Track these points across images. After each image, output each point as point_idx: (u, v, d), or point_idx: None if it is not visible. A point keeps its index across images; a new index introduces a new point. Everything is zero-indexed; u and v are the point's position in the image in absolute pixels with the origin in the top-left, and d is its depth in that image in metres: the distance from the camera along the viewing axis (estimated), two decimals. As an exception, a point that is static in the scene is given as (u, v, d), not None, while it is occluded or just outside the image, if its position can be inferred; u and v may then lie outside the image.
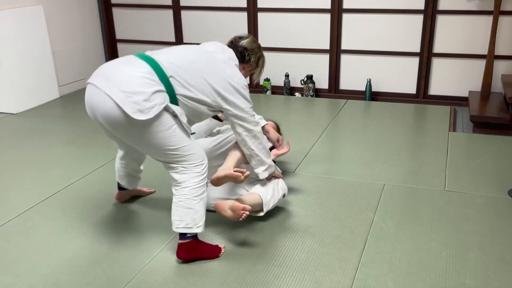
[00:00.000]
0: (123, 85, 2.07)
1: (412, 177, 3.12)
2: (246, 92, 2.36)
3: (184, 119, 2.16)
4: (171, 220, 2.61)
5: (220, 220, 2.64)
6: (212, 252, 2.31)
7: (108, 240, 2.47)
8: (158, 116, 2.05)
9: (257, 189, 2.55)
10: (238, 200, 2.39)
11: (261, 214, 2.50)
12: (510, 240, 2.41)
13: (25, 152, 3.63)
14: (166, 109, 2.08)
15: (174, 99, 2.14)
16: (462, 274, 2.17)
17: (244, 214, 2.25)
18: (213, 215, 2.68)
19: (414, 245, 2.38)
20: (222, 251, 2.35)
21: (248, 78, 2.60)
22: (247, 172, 2.36)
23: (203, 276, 2.18)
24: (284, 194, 2.65)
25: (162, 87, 2.09)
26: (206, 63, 2.28)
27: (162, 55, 2.20)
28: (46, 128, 4.15)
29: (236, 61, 2.44)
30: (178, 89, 2.15)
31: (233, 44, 2.56)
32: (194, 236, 2.24)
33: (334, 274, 2.18)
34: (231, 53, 2.45)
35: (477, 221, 2.59)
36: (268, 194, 2.52)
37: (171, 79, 2.13)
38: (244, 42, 2.55)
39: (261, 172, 2.54)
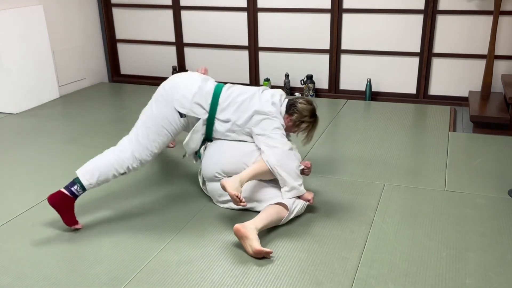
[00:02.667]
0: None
1: (412, 177, 3.12)
2: (274, 122, 2.63)
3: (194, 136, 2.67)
4: (171, 220, 2.62)
5: (220, 220, 2.64)
6: (68, 219, 2.49)
7: (108, 240, 2.47)
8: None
9: (285, 200, 2.57)
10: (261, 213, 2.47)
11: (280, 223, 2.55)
12: (510, 240, 2.41)
13: (25, 152, 3.63)
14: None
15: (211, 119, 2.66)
16: (462, 274, 2.17)
17: (265, 255, 2.30)
18: (215, 215, 2.68)
19: (414, 245, 2.38)
20: (78, 227, 2.51)
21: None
22: (244, 203, 2.44)
23: (202, 276, 2.18)
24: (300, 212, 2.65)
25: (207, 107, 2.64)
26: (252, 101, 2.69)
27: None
28: (46, 128, 4.15)
29: (282, 104, 2.72)
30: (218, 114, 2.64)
31: (292, 99, 2.79)
32: (75, 192, 2.47)
33: (334, 274, 2.18)
34: (281, 98, 2.74)
35: (477, 221, 2.59)
36: (293, 208, 2.57)
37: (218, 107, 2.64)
38: (299, 99, 2.76)
39: (284, 192, 2.59)
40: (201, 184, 2.89)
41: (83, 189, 2.50)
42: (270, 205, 2.55)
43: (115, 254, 2.35)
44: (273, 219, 2.47)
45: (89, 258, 2.33)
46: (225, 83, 2.84)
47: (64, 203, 2.47)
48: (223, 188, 2.44)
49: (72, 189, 2.48)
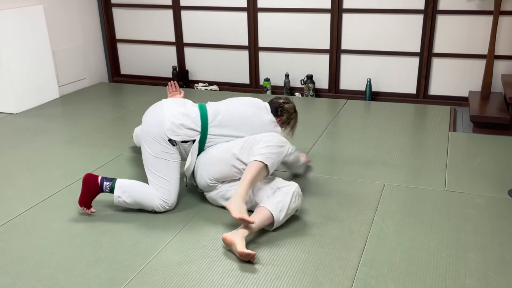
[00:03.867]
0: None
1: (412, 177, 3.12)
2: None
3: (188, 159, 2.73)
4: (171, 221, 2.61)
5: (220, 220, 2.64)
6: (84, 200, 2.67)
7: (108, 240, 2.47)
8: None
9: (268, 204, 2.48)
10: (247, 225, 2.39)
11: (271, 229, 2.51)
12: (510, 240, 2.41)
13: (25, 152, 3.63)
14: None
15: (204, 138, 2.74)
16: (462, 274, 2.17)
17: (250, 259, 2.28)
18: (215, 215, 2.68)
19: (414, 245, 2.38)
20: (88, 211, 2.67)
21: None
22: (252, 221, 2.37)
23: (202, 276, 2.18)
24: (298, 209, 2.60)
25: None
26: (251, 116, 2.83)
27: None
28: (46, 128, 4.15)
29: (269, 111, 2.89)
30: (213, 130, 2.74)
31: (272, 101, 2.97)
32: (104, 187, 2.66)
33: (334, 274, 2.18)
34: (266, 107, 2.91)
35: (477, 221, 2.59)
36: (280, 212, 2.47)
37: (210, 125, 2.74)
38: (279, 100, 2.95)
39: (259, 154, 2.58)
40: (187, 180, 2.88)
41: (111, 191, 2.66)
42: (260, 207, 2.49)
43: (115, 254, 2.35)
44: (263, 223, 2.45)
45: (89, 258, 2.33)
46: (224, 84, 2.90)
47: (92, 186, 2.64)
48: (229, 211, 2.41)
49: (105, 182, 2.65)
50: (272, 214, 2.44)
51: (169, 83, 3.34)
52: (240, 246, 2.27)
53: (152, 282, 2.15)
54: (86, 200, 2.66)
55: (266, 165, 2.54)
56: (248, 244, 2.41)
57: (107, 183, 2.65)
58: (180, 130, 2.67)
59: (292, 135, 3.00)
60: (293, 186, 2.58)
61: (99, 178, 2.65)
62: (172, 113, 2.71)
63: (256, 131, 2.75)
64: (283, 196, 2.52)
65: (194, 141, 2.71)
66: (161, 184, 2.66)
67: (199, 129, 2.71)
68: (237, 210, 2.37)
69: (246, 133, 2.76)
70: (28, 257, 2.35)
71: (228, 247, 2.35)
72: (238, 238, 2.31)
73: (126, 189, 2.66)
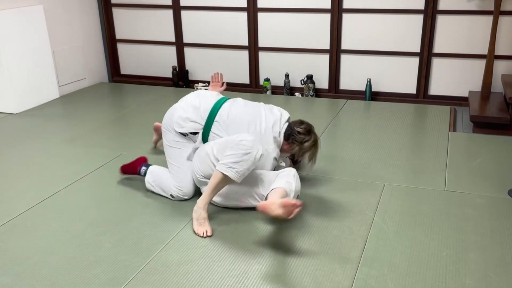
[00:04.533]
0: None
1: (412, 177, 3.12)
2: (266, 158, 2.72)
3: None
4: (171, 220, 2.62)
5: (221, 220, 2.64)
6: (125, 168, 3.07)
7: (108, 240, 2.47)
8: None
9: (278, 183, 2.56)
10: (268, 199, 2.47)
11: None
12: (510, 240, 2.41)
13: (25, 152, 3.63)
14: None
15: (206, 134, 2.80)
16: (462, 274, 2.17)
17: (296, 210, 2.24)
18: (215, 215, 2.68)
19: (414, 245, 2.38)
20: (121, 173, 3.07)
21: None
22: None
23: (202, 276, 2.18)
24: (298, 194, 2.66)
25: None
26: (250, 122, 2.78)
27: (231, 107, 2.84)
28: (46, 128, 4.15)
29: (278, 134, 2.79)
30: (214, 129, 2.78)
31: (290, 124, 2.86)
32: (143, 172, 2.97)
33: (334, 274, 2.18)
34: (279, 125, 2.81)
35: (477, 221, 2.59)
36: (291, 184, 2.57)
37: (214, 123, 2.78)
38: (297, 125, 2.82)
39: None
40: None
41: (144, 175, 2.95)
42: (273, 190, 2.55)
43: (115, 254, 2.35)
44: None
45: (89, 258, 2.33)
46: (226, 82, 2.90)
47: (132, 169, 3.04)
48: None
49: (143, 168, 2.99)
50: (285, 189, 2.52)
51: (214, 73, 3.40)
52: (280, 199, 2.30)
53: (152, 282, 2.15)
54: (125, 168, 3.06)
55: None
56: (246, 243, 2.41)
57: (144, 168, 2.97)
58: (185, 123, 2.78)
59: (312, 166, 2.92)
60: (291, 170, 2.66)
61: (139, 166, 3.00)
62: (183, 105, 2.85)
63: None
64: (286, 177, 2.60)
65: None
66: (175, 172, 2.80)
67: (203, 123, 2.78)
68: (196, 223, 2.53)
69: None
70: (28, 257, 2.35)
71: (267, 212, 2.27)
72: (276, 201, 2.29)
73: (154, 175, 2.88)
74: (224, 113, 2.78)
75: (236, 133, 2.69)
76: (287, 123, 2.85)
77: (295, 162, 3.15)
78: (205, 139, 2.79)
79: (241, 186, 2.64)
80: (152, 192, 2.91)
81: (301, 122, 2.84)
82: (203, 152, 2.69)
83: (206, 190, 2.56)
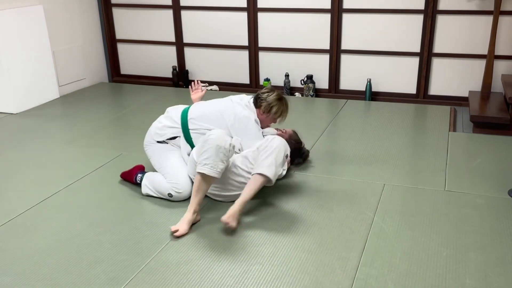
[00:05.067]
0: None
1: (412, 177, 3.12)
2: (248, 122, 2.92)
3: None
4: (171, 220, 2.62)
5: (219, 219, 2.64)
6: (125, 175, 3.11)
7: (108, 240, 2.47)
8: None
9: (257, 168, 2.60)
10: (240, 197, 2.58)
11: (272, 183, 2.66)
12: (510, 240, 2.41)
13: (25, 152, 3.63)
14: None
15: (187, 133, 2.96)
16: (462, 274, 2.17)
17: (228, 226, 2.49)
18: (215, 215, 2.68)
19: (414, 245, 2.38)
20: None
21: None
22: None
23: (202, 276, 2.18)
24: (287, 154, 2.72)
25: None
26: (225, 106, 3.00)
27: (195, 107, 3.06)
28: (46, 128, 4.15)
29: (251, 104, 3.02)
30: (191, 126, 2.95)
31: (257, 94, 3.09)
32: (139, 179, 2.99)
33: (334, 274, 2.18)
34: (247, 99, 3.06)
35: (477, 221, 2.59)
36: (270, 168, 2.58)
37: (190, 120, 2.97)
38: (262, 91, 3.06)
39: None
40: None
41: (141, 182, 2.97)
42: (250, 182, 2.62)
43: (115, 254, 2.35)
44: (253, 192, 2.60)
45: (89, 258, 2.33)
46: (224, 84, 2.95)
47: (129, 176, 3.08)
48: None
49: (139, 175, 3.01)
50: (263, 174, 2.58)
51: (192, 82, 3.50)
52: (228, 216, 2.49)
53: (152, 282, 2.15)
54: (124, 175, 3.11)
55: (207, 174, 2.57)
56: (246, 243, 2.41)
57: (140, 175, 2.98)
58: (163, 130, 3.00)
59: (281, 121, 3.10)
60: (273, 142, 2.67)
61: (136, 173, 3.02)
62: (158, 120, 3.10)
63: (228, 125, 2.91)
64: (265, 160, 2.62)
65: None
66: (168, 173, 2.86)
67: (179, 126, 2.97)
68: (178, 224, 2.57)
69: (219, 126, 2.89)
70: (28, 257, 2.35)
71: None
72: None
73: (150, 179, 2.91)
74: (193, 110, 3.02)
75: (211, 120, 2.91)
76: (252, 98, 3.07)
77: (301, 155, 3.26)
78: (188, 139, 2.94)
79: (229, 174, 2.73)
80: (150, 196, 2.90)
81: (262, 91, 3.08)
82: (190, 156, 2.81)
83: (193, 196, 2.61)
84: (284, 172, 2.98)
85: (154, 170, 3.00)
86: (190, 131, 2.94)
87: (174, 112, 3.07)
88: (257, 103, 3.01)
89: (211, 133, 2.61)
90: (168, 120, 3.03)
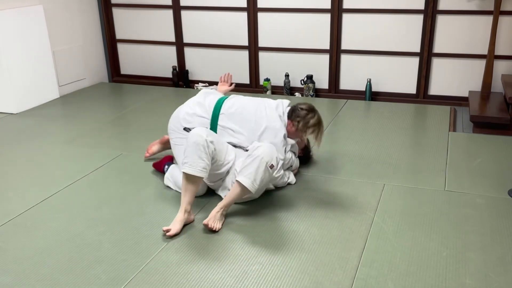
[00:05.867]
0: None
1: (412, 177, 3.12)
2: (277, 134, 2.82)
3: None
4: (171, 220, 2.62)
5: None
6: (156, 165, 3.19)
7: (108, 240, 2.47)
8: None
9: (241, 177, 2.55)
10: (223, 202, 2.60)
11: (252, 194, 2.61)
12: (510, 240, 2.41)
13: (25, 152, 3.63)
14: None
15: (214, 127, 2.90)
16: (462, 274, 2.17)
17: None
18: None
19: (414, 245, 2.38)
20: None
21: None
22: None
23: (202, 276, 2.18)
24: (272, 164, 2.56)
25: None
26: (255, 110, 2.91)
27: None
28: (46, 128, 4.15)
29: (284, 115, 2.90)
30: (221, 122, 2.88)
31: (293, 105, 2.96)
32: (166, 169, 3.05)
33: (334, 274, 2.18)
34: (283, 108, 2.94)
35: (477, 221, 2.59)
36: (248, 178, 2.53)
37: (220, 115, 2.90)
38: (300, 105, 2.91)
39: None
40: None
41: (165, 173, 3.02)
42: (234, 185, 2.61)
43: (115, 254, 2.35)
44: (231, 198, 2.60)
45: (89, 258, 2.33)
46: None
47: (159, 167, 3.16)
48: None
49: (165, 166, 3.09)
50: (243, 185, 2.54)
51: (224, 74, 3.45)
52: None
53: (152, 282, 2.15)
54: (155, 165, 3.20)
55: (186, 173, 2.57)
56: (246, 243, 2.41)
57: (166, 166, 3.06)
58: (192, 118, 2.89)
59: (318, 145, 2.95)
60: (259, 151, 2.56)
61: (164, 164, 3.10)
62: (188, 104, 2.98)
63: (256, 132, 2.83)
64: (251, 162, 2.55)
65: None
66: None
67: (209, 117, 2.89)
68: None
69: (246, 131, 2.85)
70: (28, 257, 2.35)
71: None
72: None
73: (171, 171, 2.95)
74: (228, 105, 2.91)
75: (241, 121, 2.84)
76: (289, 107, 2.94)
77: (307, 155, 3.26)
78: (213, 131, 2.87)
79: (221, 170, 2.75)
80: (169, 187, 2.98)
81: (303, 103, 2.93)
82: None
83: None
84: (287, 180, 2.97)
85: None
86: (218, 126, 2.87)
87: (208, 100, 2.96)
88: (291, 115, 2.87)
89: (191, 131, 2.62)
90: (199, 108, 2.92)
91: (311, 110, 2.87)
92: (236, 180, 2.57)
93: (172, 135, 2.95)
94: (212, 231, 2.51)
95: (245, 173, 2.54)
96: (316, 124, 2.84)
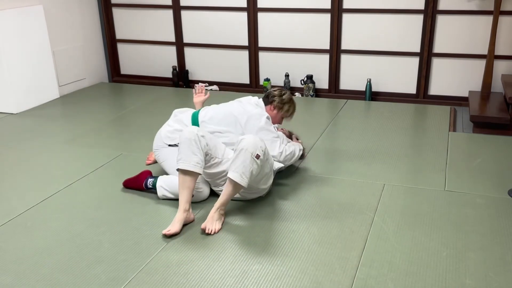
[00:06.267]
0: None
1: (412, 177, 3.12)
2: (261, 119, 2.93)
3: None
4: (171, 220, 2.62)
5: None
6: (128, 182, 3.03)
7: (108, 240, 2.47)
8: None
9: (230, 173, 2.55)
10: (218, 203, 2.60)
11: (245, 187, 2.57)
12: (510, 240, 2.41)
13: (25, 152, 3.63)
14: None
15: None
16: (462, 274, 2.17)
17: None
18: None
19: (414, 245, 2.38)
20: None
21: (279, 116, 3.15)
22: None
23: (202, 276, 2.18)
24: (257, 154, 2.55)
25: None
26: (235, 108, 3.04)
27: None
28: (46, 128, 4.15)
29: (260, 103, 3.09)
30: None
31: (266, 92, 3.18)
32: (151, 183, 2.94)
33: (334, 274, 2.18)
34: (255, 99, 3.12)
35: (477, 221, 2.59)
36: (236, 172, 2.52)
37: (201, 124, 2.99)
38: (273, 89, 3.15)
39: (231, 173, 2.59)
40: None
41: (153, 187, 2.90)
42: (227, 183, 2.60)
43: (115, 254, 2.35)
44: (226, 195, 2.59)
45: (89, 258, 2.33)
46: (224, 84, 2.95)
47: (136, 183, 2.98)
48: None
49: (149, 179, 2.93)
50: (233, 180, 2.53)
51: (196, 85, 3.50)
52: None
53: (152, 282, 2.15)
54: (128, 183, 3.00)
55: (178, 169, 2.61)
56: (246, 243, 2.41)
57: (151, 179, 2.91)
58: (174, 134, 2.98)
59: (289, 119, 3.21)
60: (243, 144, 2.57)
61: (145, 179, 2.94)
62: (166, 124, 3.09)
63: (241, 124, 2.93)
64: (237, 156, 2.56)
65: None
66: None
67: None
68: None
69: (231, 127, 2.95)
70: (28, 257, 2.35)
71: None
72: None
73: (167, 181, 2.85)
74: (203, 113, 3.04)
75: (224, 122, 2.95)
76: (260, 99, 3.14)
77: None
78: None
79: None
80: (167, 198, 2.85)
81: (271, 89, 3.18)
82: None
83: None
84: (293, 152, 3.03)
85: (164, 174, 2.99)
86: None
87: (183, 115, 3.10)
88: (268, 100, 3.08)
89: (183, 131, 2.66)
90: (178, 124, 3.04)
91: (283, 89, 3.16)
92: (227, 177, 2.58)
93: (160, 155, 3.01)
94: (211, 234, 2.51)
95: (233, 168, 2.54)
96: (290, 99, 3.13)
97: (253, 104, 3.04)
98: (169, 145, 2.97)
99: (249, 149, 2.53)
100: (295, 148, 3.05)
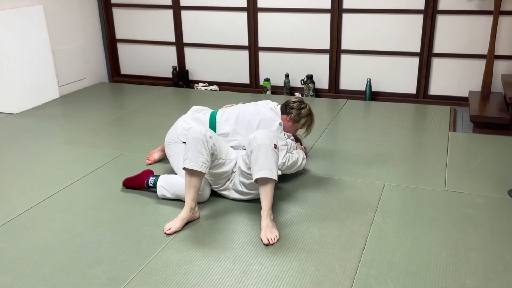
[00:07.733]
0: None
1: (412, 177, 3.12)
2: (273, 124, 2.93)
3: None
4: (171, 220, 2.62)
5: (221, 220, 2.64)
6: (128, 181, 3.01)
7: (108, 240, 2.47)
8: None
9: (258, 173, 2.51)
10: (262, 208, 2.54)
11: (276, 180, 2.55)
12: (510, 240, 2.41)
13: (25, 152, 3.63)
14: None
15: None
16: (462, 274, 2.17)
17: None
18: (215, 215, 2.68)
19: (414, 245, 2.38)
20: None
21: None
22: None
23: (202, 276, 2.18)
24: (274, 144, 2.56)
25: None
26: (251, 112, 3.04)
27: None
28: (46, 128, 4.15)
29: (277, 109, 3.11)
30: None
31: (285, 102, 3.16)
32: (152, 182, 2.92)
33: (334, 274, 2.18)
34: (273, 104, 3.15)
35: (477, 221, 2.59)
36: (263, 169, 2.50)
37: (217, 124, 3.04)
38: (291, 99, 3.13)
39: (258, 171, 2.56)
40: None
41: (154, 186, 2.88)
42: (260, 188, 2.55)
43: (115, 254, 2.35)
44: (267, 198, 2.53)
45: (89, 258, 2.33)
46: (224, 84, 2.95)
47: (137, 182, 2.96)
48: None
49: (150, 178, 2.92)
50: (265, 178, 2.50)
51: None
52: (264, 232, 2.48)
53: (152, 282, 2.15)
54: (128, 182, 2.98)
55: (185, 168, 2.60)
56: (246, 243, 2.41)
57: (152, 178, 2.90)
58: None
59: (306, 135, 3.22)
60: (257, 140, 2.56)
61: (146, 178, 2.92)
62: (183, 119, 3.08)
63: (252, 126, 2.94)
64: (257, 153, 2.53)
65: None
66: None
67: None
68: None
69: (243, 129, 2.97)
70: (28, 257, 2.35)
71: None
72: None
73: (167, 181, 2.84)
74: (220, 113, 3.08)
75: (238, 123, 2.97)
76: (279, 105, 3.15)
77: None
78: None
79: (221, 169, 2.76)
80: (165, 198, 2.85)
81: (294, 97, 3.18)
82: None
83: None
84: (300, 160, 3.01)
85: (166, 172, 3.00)
86: (218, 135, 2.95)
87: (201, 115, 3.12)
88: (285, 110, 3.07)
89: (190, 130, 2.66)
90: (196, 122, 3.04)
91: (303, 102, 3.11)
92: (256, 181, 2.53)
93: (171, 149, 3.00)
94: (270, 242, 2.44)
95: (258, 167, 2.50)
96: (308, 114, 3.09)
97: (268, 108, 3.05)
98: (184, 142, 2.92)
99: (266, 142, 2.54)
100: (298, 156, 3.01)
